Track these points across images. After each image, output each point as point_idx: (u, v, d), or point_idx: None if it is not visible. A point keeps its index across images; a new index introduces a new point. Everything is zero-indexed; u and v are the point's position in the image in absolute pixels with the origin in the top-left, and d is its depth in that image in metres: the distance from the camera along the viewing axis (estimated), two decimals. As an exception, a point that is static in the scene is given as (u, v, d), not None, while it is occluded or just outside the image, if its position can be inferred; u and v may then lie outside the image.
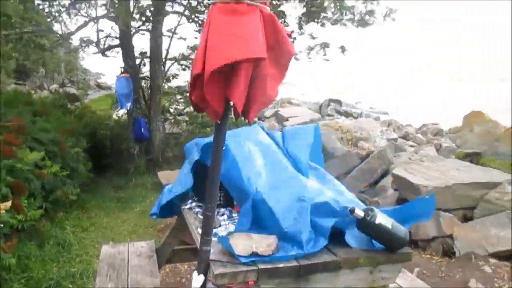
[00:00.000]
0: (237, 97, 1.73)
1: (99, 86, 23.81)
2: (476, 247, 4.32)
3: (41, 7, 7.99)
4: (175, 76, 8.77)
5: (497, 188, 4.66)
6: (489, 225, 4.32)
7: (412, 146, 13.23)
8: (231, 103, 1.82)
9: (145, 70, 8.49)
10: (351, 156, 6.75)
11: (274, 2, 7.26)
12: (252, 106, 1.82)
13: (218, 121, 1.85)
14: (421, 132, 16.67)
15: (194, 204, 2.70)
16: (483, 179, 4.89)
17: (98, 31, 7.83)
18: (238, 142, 2.51)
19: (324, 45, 7.86)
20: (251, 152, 2.53)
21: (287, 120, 11.38)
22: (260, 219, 2.14)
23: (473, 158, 15.37)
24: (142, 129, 7.71)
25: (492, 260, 4.18)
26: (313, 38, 7.95)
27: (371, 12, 7.40)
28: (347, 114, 23.39)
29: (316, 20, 7.49)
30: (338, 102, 27.79)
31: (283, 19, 7.44)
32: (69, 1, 7.87)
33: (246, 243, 1.90)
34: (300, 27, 7.73)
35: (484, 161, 14.75)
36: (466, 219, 4.78)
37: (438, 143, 14.55)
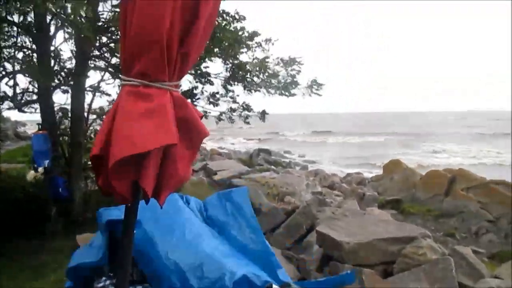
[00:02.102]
0: (146, 182, 1.68)
1: (18, 136, 22.42)
2: (397, 302, 4.44)
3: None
4: (97, 132, 8.48)
5: (412, 243, 4.90)
6: (407, 280, 4.49)
7: (338, 195, 13.73)
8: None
9: (66, 126, 8.14)
10: (277, 212, 6.82)
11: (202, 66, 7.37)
12: (163, 189, 1.78)
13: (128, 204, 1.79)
14: (345, 181, 17.39)
15: (108, 282, 2.54)
16: (399, 234, 5.13)
17: (15, 85, 7.45)
18: (153, 215, 2.44)
19: (246, 108, 8.00)
20: (169, 225, 2.46)
21: (216, 173, 11.35)
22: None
23: (394, 205, 16.26)
24: (60, 189, 7.26)
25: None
26: (235, 102, 8.09)
27: (295, 83, 7.54)
28: (276, 164, 23.89)
29: (241, 84, 7.63)
30: (267, 151, 28.42)
31: (207, 79, 7.55)
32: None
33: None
34: (226, 89, 7.85)
35: (404, 207, 15.61)
36: (386, 274, 4.93)
37: (361, 192, 15.25)
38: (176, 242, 2.40)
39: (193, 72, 7.79)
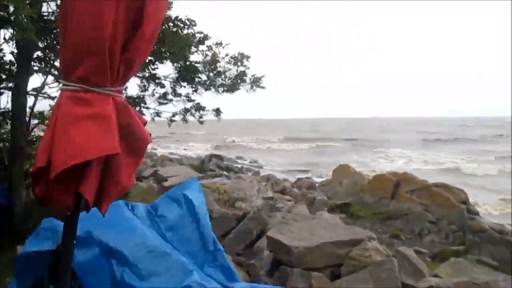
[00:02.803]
0: (87, 191, 1.63)
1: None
2: (344, 304, 4.55)
3: None
4: (39, 138, 8.11)
5: (359, 245, 5.05)
6: (353, 282, 4.62)
7: (289, 200, 13.89)
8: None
9: (6, 130, 7.73)
10: (228, 218, 6.80)
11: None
12: (105, 198, 1.73)
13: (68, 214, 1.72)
14: (296, 186, 17.64)
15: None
16: (346, 237, 5.27)
17: None
18: (97, 225, 2.36)
19: (199, 108, 7.95)
20: (114, 234, 2.39)
21: (166, 180, 11.15)
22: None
23: (344, 208, 16.67)
24: (-1, 197, 6.89)
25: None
26: (190, 100, 8.02)
27: (243, 74, 7.56)
28: (228, 169, 23.86)
29: (190, 84, 7.58)
30: (220, 157, 28.35)
31: (156, 81, 7.42)
32: None
33: None
34: (174, 91, 7.76)
35: (353, 211, 16.05)
36: (334, 276, 5.04)
37: (312, 196, 15.51)
38: (120, 251, 2.34)
39: (141, 75, 7.65)
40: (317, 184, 18.39)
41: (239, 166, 27.20)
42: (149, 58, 7.16)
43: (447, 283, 4.29)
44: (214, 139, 55.76)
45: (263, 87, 7.60)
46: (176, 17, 6.96)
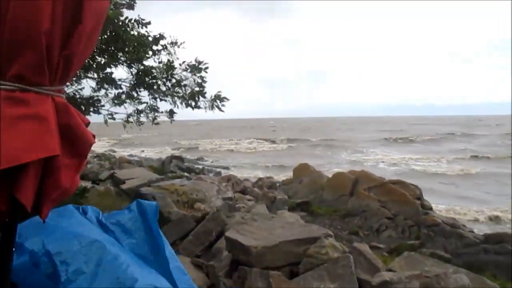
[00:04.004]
0: (24, 196, 1.54)
1: None
2: (302, 301, 4.60)
3: None
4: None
5: (316, 243, 5.12)
6: (311, 279, 4.67)
7: (250, 200, 13.93)
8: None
9: None
10: (187, 220, 6.73)
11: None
12: (45, 202, 1.65)
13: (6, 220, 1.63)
14: (257, 186, 17.73)
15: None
16: (304, 235, 5.33)
17: None
18: (45, 231, 2.26)
19: (153, 109, 7.78)
20: (65, 239, 2.29)
21: (124, 182, 10.90)
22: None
23: (304, 206, 16.89)
24: None
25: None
26: (141, 102, 7.83)
27: (200, 90, 7.32)
28: (189, 170, 23.66)
29: (147, 89, 7.40)
30: (180, 158, 28.08)
31: (112, 85, 7.22)
32: None
33: None
34: (131, 96, 7.56)
35: (313, 209, 16.28)
36: (293, 275, 5.09)
37: (273, 196, 15.64)
38: (73, 255, 2.24)
39: (95, 76, 7.41)
40: (278, 184, 18.56)
41: (200, 167, 27.04)
42: (104, 59, 6.96)
43: (400, 276, 4.43)
44: (176, 141, 55.15)
45: (221, 110, 7.44)
46: (126, 17, 6.79)
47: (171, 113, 7.58)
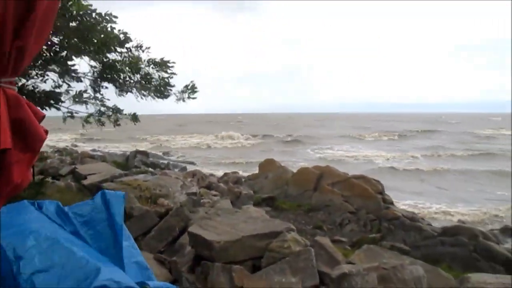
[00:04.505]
0: (-30, 191, 1.51)
1: None
2: (264, 295, 4.65)
3: None
4: None
5: (278, 237, 5.18)
6: (272, 273, 4.74)
7: (215, 195, 13.91)
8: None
9: None
10: (149, 215, 6.66)
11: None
12: (-5, 197, 1.61)
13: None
14: (223, 181, 17.71)
15: None
16: (266, 229, 5.38)
17: None
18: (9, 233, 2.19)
19: (116, 111, 7.65)
20: (20, 236, 2.24)
21: (86, 178, 10.64)
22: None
23: (269, 202, 17.00)
24: None
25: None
26: (104, 105, 7.68)
27: (168, 84, 7.28)
28: (154, 166, 23.35)
29: (111, 83, 7.26)
30: (145, 153, 27.66)
31: (74, 79, 7.04)
32: None
33: None
34: (95, 90, 7.40)
35: (278, 204, 16.42)
36: (255, 269, 5.13)
37: (238, 191, 15.67)
38: (28, 252, 2.19)
39: (57, 69, 7.19)
40: (243, 179, 18.59)
41: (166, 162, 26.72)
42: (66, 51, 6.75)
43: (359, 268, 4.55)
44: (140, 137, 54.22)
45: (194, 98, 7.41)
46: (95, 9, 6.61)
47: (134, 117, 7.49)
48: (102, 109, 7.53)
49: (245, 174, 20.98)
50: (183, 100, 7.44)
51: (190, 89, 7.40)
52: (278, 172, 18.07)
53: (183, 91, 7.37)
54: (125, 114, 7.67)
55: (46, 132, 1.84)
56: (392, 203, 14.80)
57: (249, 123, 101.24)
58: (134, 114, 7.53)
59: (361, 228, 13.61)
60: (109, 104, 7.54)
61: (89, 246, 2.54)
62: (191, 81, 7.49)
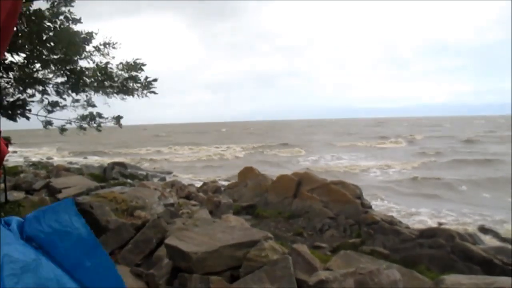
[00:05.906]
0: None
1: None
2: (243, 305, 4.61)
3: None
4: None
5: (256, 246, 5.16)
6: (250, 282, 4.70)
7: (194, 205, 13.80)
8: None
9: None
10: (126, 228, 6.55)
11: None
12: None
13: None
14: (202, 190, 17.60)
15: None
16: (244, 239, 5.35)
17: None
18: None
19: (98, 115, 7.52)
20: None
21: (60, 192, 10.42)
22: None
23: (249, 210, 16.95)
24: None
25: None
26: (90, 105, 7.56)
27: (133, 78, 7.21)
28: (132, 177, 23.07)
29: (75, 91, 7.12)
30: (123, 165, 27.33)
31: (34, 86, 6.87)
32: None
33: None
34: (61, 96, 7.25)
35: (258, 212, 16.37)
36: (233, 278, 5.09)
37: (217, 200, 15.58)
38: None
39: (21, 79, 7.02)
40: (223, 188, 18.52)
41: (144, 173, 26.43)
42: (25, 58, 6.60)
43: (336, 275, 4.57)
44: (119, 149, 53.57)
45: (154, 92, 7.33)
46: (56, 10, 6.46)
47: (118, 119, 7.39)
48: (85, 113, 7.41)
49: (225, 183, 20.91)
50: (146, 95, 7.36)
51: (149, 84, 7.32)
52: (257, 180, 18.05)
53: (143, 86, 7.29)
54: (107, 118, 7.56)
55: (7, 145, 1.79)
56: (370, 207, 14.95)
57: (231, 132, 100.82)
58: (118, 116, 7.42)
59: (341, 233, 13.69)
60: (90, 109, 7.44)
61: (53, 263, 2.47)
62: (147, 77, 7.39)
